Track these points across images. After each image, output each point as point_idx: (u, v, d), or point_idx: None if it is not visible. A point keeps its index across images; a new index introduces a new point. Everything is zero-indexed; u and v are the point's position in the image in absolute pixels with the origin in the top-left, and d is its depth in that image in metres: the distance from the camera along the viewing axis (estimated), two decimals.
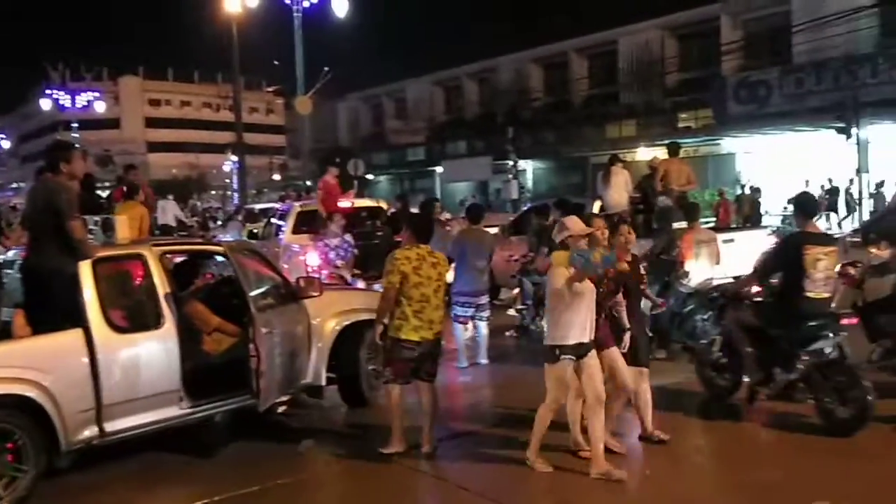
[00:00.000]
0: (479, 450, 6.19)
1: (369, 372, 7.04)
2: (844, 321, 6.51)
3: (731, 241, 11.37)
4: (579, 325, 5.37)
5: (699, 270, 8.43)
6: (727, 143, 27.32)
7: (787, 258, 6.40)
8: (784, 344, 6.42)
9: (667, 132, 25.76)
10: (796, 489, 5.19)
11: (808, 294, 6.25)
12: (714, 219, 18.14)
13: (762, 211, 22.65)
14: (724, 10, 27.99)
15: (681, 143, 14.11)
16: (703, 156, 26.45)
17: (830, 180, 23.44)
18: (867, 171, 20.82)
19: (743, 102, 26.19)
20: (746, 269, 8.87)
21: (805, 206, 6.77)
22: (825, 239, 6.63)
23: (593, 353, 5.50)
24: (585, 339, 5.42)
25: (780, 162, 25.04)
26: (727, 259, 10.00)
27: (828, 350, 6.26)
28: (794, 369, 6.30)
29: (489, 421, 7.10)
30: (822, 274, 6.28)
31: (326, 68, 29.32)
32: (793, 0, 25.77)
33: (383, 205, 14.80)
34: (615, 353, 5.82)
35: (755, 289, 7.20)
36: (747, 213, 21.37)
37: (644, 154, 26.24)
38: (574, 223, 5.56)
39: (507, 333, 10.18)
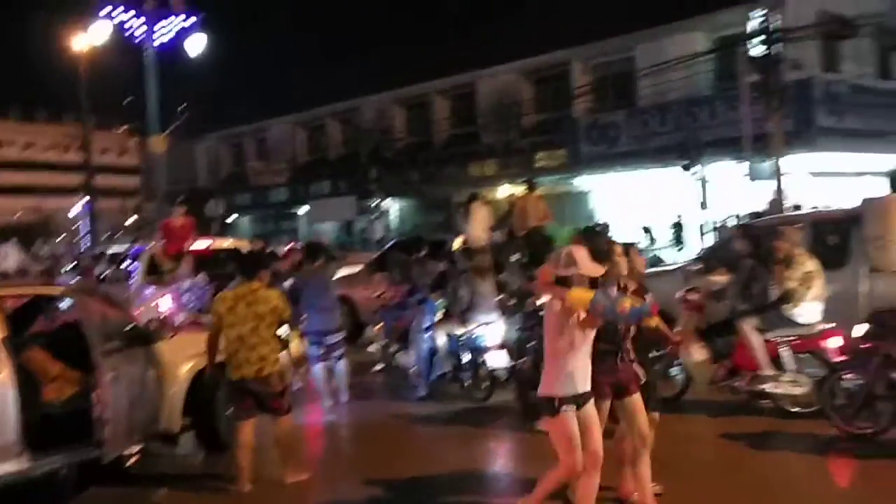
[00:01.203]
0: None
1: (227, 415, 6.87)
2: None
3: None
4: (581, 371, 4.84)
5: None
6: (581, 182, 28.54)
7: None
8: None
9: (525, 171, 26.62)
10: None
11: None
12: None
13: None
14: (574, 55, 29.39)
15: (537, 181, 14.65)
16: (559, 193, 27.46)
17: (680, 216, 24.86)
18: (707, 207, 22.26)
19: (594, 143, 27.49)
20: None
21: (588, 238, 7.41)
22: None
23: (591, 402, 4.95)
24: (587, 388, 4.90)
25: (631, 198, 26.37)
26: None
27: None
28: None
29: (345, 459, 7.11)
30: None
31: (182, 106, 28.58)
32: (637, 46, 27.39)
33: (244, 245, 14.52)
34: (638, 399, 5.35)
35: None
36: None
37: (505, 192, 27.07)
38: (583, 258, 4.91)
39: (374, 370, 10.18)
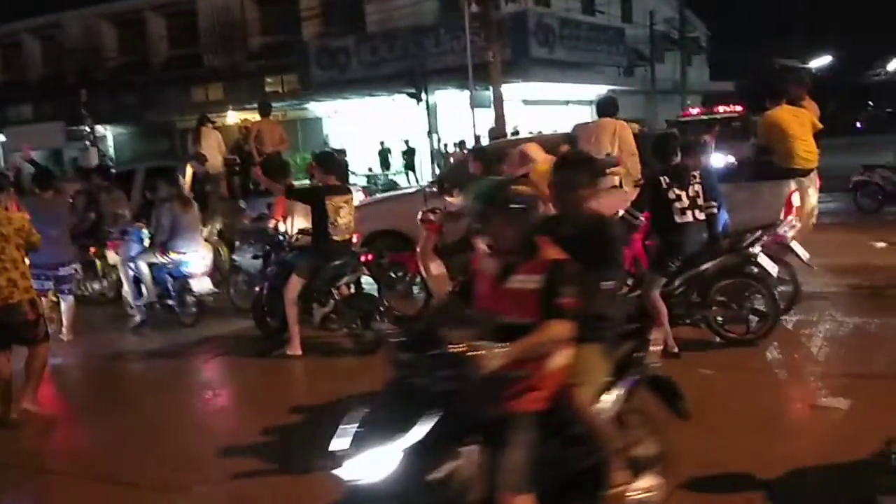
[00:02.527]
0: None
1: None
2: (362, 258, 7.74)
3: None
4: None
5: (295, 226, 8.75)
6: (314, 108, 28.32)
7: (315, 202, 7.38)
8: (319, 282, 7.39)
9: (255, 96, 25.80)
10: None
11: (334, 238, 7.33)
12: (309, 179, 18.73)
13: (349, 171, 23.93)
14: None
15: (271, 104, 14.36)
16: (291, 119, 27.06)
17: (407, 141, 25.67)
18: (437, 132, 23.20)
19: (325, 68, 27.32)
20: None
21: (325, 162, 7.98)
22: (342, 190, 7.71)
23: None
24: None
25: (363, 125, 26.71)
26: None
27: (351, 284, 7.49)
28: (327, 303, 7.38)
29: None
30: (343, 220, 7.41)
31: None
32: None
33: None
34: None
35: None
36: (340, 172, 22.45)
37: (233, 117, 26.08)
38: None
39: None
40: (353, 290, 7.63)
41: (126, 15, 32.82)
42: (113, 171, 12.99)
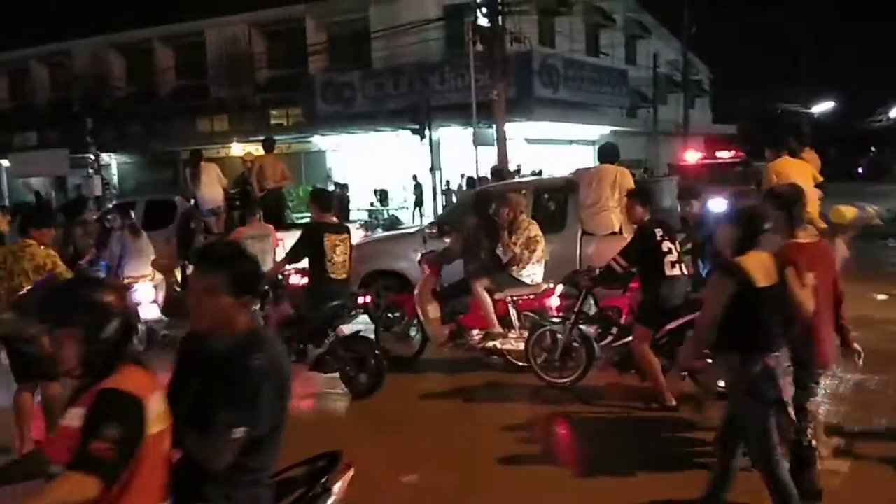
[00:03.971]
0: None
1: None
2: (361, 300, 7.72)
3: None
4: None
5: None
6: (317, 141, 28.44)
7: (311, 245, 7.29)
8: (315, 322, 7.29)
9: (260, 128, 25.96)
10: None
11: (331, 276, 7.24)
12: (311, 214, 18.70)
13: (349, 206, 23.97)
14: (308, 11, 28.98)
15: (275, 140, 14.41)
16: (296, 152, 27.18)
17: (415, 177, 25.68)
18: (440, 169, 23.22)
19: (330, 102, 27.48)
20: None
21: (320, 199, 7.83)
22: (339, 228, 7.66)
23: None
24: None
25: (366, 159, 26.79)
26: None
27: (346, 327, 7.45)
28: (322, 344, 7.23)
29: None
30: (340, 258, 7.33)
31: None
32: (370, 8, 27.62)
33: None
34: None
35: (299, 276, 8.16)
36: (338, 207, 22.47)
37: (238, 149, 26.16)
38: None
39: None
40: (350, 333, 7.60)
41: (134, 45, 33.12)
42: (113, 202, 13.02)
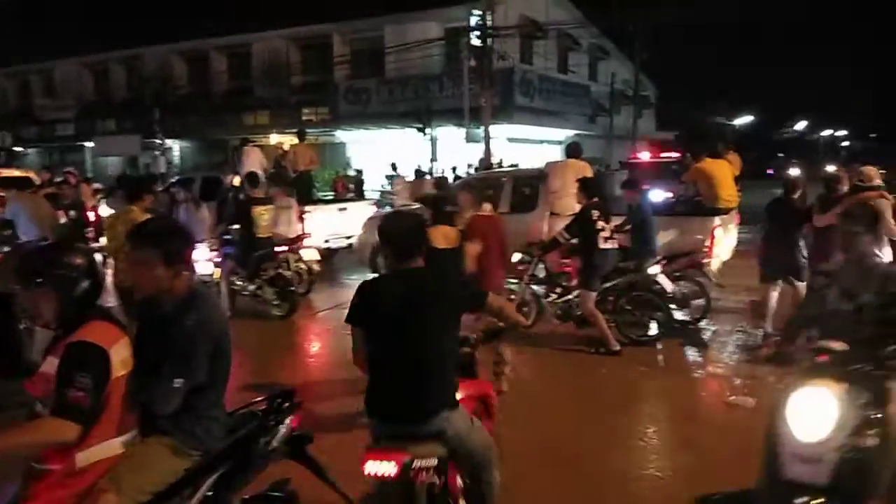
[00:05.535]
0: None
1: None
2: (278, 249, 8.47)
3: (345, 209, 12.01)
4: None
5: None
6: (340, 135, 28.28)
7: (240, 212, 8.33)
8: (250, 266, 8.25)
9: (294, 123, 25.76)
10: None
11: (259, 236, 8.24)
12: (333, 192, 18.73)
13: (364, 188, 23.90)
14: (335, 29, 28.68)
15: (306, 131, 14.37)
16: (322, 143, 27.01)
17: (419, 167, 25.42)
18: (437, 160, 23.19)
19: (351, 103, 27.27)
20: (356, 229, 9.52)
21: (252, 181, 8.77)
22: (265, 201, 8.52)
23: None
24: None
25: (379, 151, 26.66)
26: (344, 222, 10.82)
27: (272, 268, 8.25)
28: (254, 282, 8.26)
29: None
30: (265, 223, 8.28)
31: None
32: (385, 27, 27.33)
33: (32, 176, 12.74)
34: None
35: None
36: (355, 188, 22.41)
37: (275, 139, 26.05)
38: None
39: None
40: (274, 273, 8.31)
41: (194, 52, 32.72)
42: (176, 178, 12.94)
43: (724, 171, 8.53)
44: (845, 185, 6.42)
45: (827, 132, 48.69)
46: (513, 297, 7.18)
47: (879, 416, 2.49)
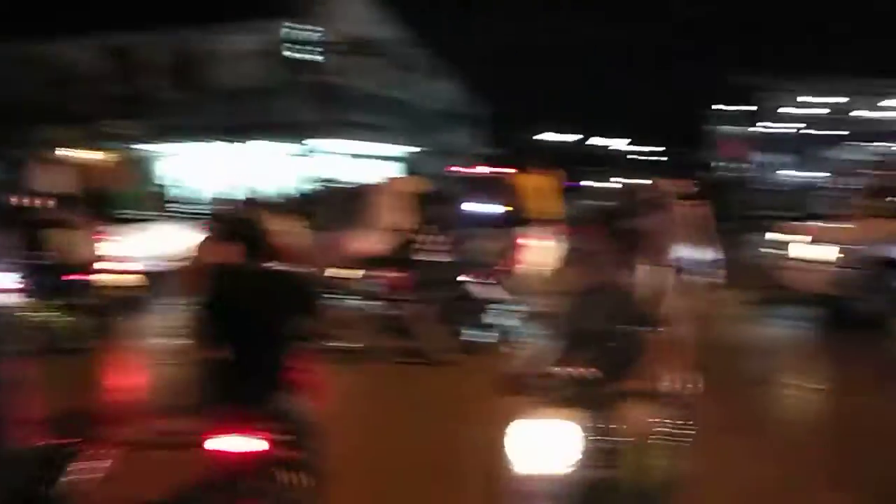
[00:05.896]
0: None
1: None
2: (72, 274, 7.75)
3: (155, 228, 11.14)
4: None
5: None
6: (156, 148, 26.44)
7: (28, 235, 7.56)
8: None
9: (105, 137, 23.62)
10: None
11: (49, 261, 7.66)
12: (142, 210, 17.23)
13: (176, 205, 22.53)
14: (148, 40, 26.81)
15: (118, 147, 13.14)
16: (137, 158, 25.11)
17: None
18: (258, 178, 22.33)
19: (170, 118, 25.65)
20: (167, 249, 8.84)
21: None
22: (58, 222, 8.03)
23: None
24: None
25: (194, 165, 25.41)
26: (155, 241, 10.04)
27: None
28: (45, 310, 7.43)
29: None
30: (59, 245, 7.79)
31: None
32: (202, 38, 26.01)
33: None
34: None
35: None
36: (163, 205, 20.98)
37: (84, 155, 23.69)
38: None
39: None
40: None
41: None
42: None
43: (538, 186, 8.95)
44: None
45: (619, 143, 53.04)
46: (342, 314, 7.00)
47: (614, 445, 2.42)
